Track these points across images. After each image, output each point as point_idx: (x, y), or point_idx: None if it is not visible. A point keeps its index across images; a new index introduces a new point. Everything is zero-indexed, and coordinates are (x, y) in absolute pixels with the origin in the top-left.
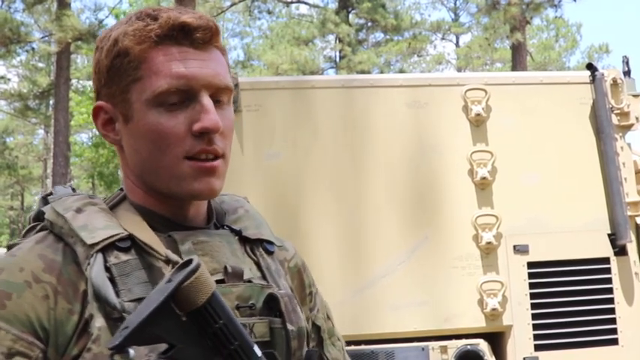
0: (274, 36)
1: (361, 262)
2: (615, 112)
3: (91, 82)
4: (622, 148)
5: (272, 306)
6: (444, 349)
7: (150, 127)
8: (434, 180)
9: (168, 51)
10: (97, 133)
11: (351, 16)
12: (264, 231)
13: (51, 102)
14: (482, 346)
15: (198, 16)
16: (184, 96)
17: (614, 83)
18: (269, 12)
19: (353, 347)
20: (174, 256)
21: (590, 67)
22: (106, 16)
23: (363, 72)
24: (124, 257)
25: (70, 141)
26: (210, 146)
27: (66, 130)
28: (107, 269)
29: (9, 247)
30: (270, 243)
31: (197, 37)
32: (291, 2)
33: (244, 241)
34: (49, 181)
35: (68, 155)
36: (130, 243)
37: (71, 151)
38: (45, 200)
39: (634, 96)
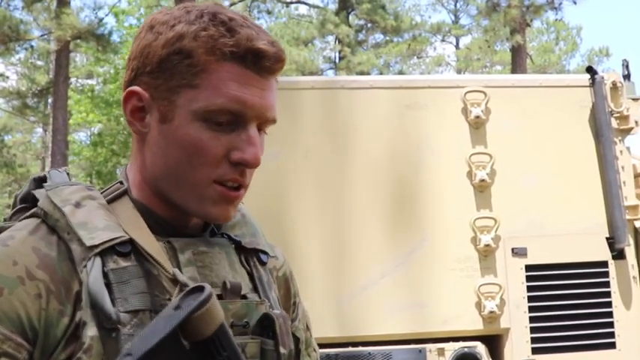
0: (273, 36)
1: (359, 263)
2: (615, 115)
3: (89, 81)
4: (621, 151)
5: (266, 325)
6: (441, 352)
7: (189, 138)
8: (433, 182)
9: (233, 70)
10: (96, 132)
11: (350, 17)
12: (260, 240)
13: (49, 100)
14: (480, 348)
15: (271, 43)
16: (233, 120)
17: (614, 87)
18: (268, 12)
19: (350, 349)
20: (182, 278)
21: (590, 70)
22: (106, 15)
23: (362, 73)
24: (122, 263)
25: (68, 139)
26: (242, 177)
27: (64, 128)
28: (104, 274)
29: None
30: (265, 253)
31: (265, 65)
32: (291, 2)
33: (240, 249)
34: None
35: (66, 154)
36: (130, 248)
37: (69, 150)
38: (37, 183)
39: (633, 99)
